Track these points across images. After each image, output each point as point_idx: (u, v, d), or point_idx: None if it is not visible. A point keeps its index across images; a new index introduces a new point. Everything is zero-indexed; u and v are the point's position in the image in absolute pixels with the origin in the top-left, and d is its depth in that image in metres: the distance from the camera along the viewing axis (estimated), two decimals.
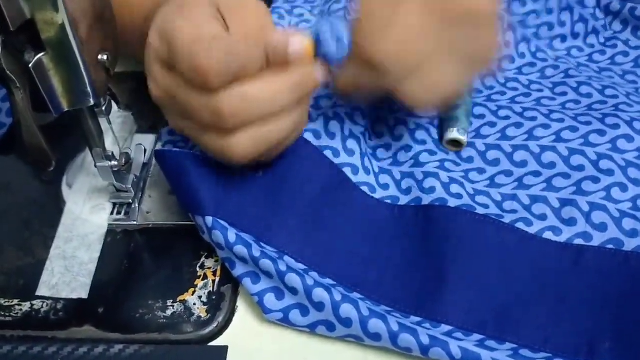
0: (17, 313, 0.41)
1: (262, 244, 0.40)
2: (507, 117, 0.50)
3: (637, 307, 0.38)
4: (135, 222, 0.46)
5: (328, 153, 0.44)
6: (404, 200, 0.45)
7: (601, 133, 0.46)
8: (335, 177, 0.44)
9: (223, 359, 0.39)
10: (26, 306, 0.41)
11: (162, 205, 0.47)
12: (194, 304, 0.41)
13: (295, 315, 0.38)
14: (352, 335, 0.37)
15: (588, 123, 0.47)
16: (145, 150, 0.48)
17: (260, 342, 0.40)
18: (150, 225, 0.46)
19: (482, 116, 0.50)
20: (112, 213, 0.46)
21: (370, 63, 0.37)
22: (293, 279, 0.38)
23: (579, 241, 0.41)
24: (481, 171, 0.47)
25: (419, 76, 0.39)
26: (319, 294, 0.37)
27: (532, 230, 0.42)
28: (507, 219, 0.42)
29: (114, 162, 0.43)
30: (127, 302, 0.41)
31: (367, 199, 0.44)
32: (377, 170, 0.46)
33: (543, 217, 0.43)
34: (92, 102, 0.37)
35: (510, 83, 0.54)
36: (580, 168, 0.44)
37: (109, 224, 0.45)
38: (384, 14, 0.37)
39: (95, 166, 0.43)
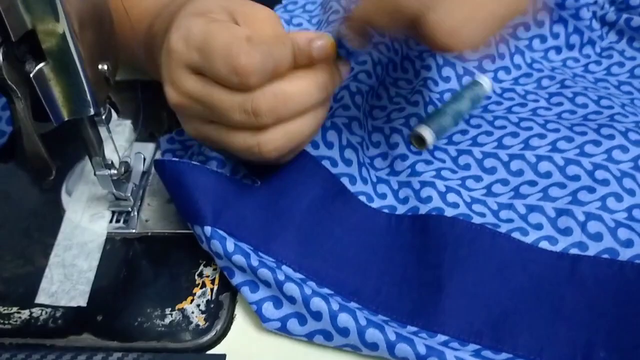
0: (16, 321, 0.41)
1: (261, 254, 0.40)
2: (503, 127, 0.50)
3: (632, 317, 0.38)
4: (134, 231, 0.46)
5: (326, 163, 0.45)
6: (401, 209, 0.45)
7: (597, 143, 0.46)
8: (333, 187, 0.44)
9: None
10: (25, 314, 0.41)
11: (160, 213, 0.47)
12: (192, 312, 0.41)
13: (293, 325, 0.39)
14: (349, 345, 0.38)
15: (583, 133, 0.48)
16: (144, 159, 0.49)
17: (258, 350, 0.40)
18: (149, 234, 0.46)
19: (478, 126, 0.51)
20: (111, 221, 0.46)
21: None
22: (291, 288, 0.38)
23: (574, 251, 0.41)
24: (478, 179, 0.47)
25: (451, 1, 0.33)
26: (317, 303, 0.37)
27: (528, 239, 0.42)
28: (504, 228, 0.43)
29: (113, 171, 0.43)
30: (125, 310, 0.41)
31: (364, 209, 0.44)
32: (374, 179, 0.47)
33: (539, 227, 0.43)
34: (92, 111, 0.37)
35: (507, 93, 0.54)
36: (576, 178, 0.45)
37: (108, 232, 0.46)
38: None
39: (95, 174, 0.43)
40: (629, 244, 0.41)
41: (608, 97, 0.52)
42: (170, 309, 0.41)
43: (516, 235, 0.42)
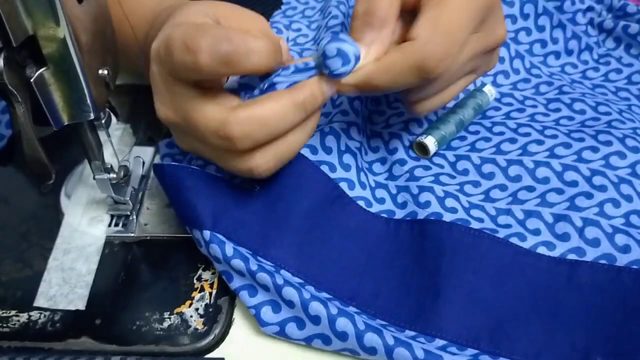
0: (14, 324, 0.41)
1: (259, 258, 0.40)
2: (501, 133, 0.50)
3: (629, 322, 0.38)
4: (132, 234, 0.46)
5: (325, 168, 0.45)
6: (399, 214, 0.45)
7: (594, 149, 0.47)
8: (332, 192, 0.44)
9: None
10: (24, 317, 0.41)
11: (159, 217, 0.47)
12: (191, 316, 0.41)
13: (291, 329, 0.39)
14: (347, 349, 0.38)
15: (581, 139, 0.48)
16: (143, 163, 0.49)
17: (257, 354, 0.40)
18: (148, 237, 0.46)
19: (476, 132, 0.51)
20: (110, 225, 0.46)
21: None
22: (290, 293, 0.38)
23: (572, 256, 0.41)
24: (476, 184, 0.47)
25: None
26: (315, 307, 0.38)
27: (526, 245, 0.42)
28: (502, 233, 0.43)
29: (112, 175, 0.43)
30: (124, 313, 0.41)
31: (363, 213, 0.45)
32: (373, 184, 0.47)
33: (537, 232, 0.43)
34: (92, 116, 0.38)
35: (505, 98, 0.55)
36: (574, 184, 0.45)
37: (107, 236, 0.46)
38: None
39: (94, 178, 0.43)
40: (626, 249, 0.41)
41: (606, 104, 0.52)
42: (168, 312, 0.41)
43: (514, 240, 0.42)
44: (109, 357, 0.39)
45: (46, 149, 0.37)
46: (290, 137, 0.37)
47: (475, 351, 0.38)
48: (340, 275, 0.41)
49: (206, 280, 0.43)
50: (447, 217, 0.43)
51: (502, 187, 0.46)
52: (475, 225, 0.43)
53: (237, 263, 0.39)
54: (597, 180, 0.45)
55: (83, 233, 0.46)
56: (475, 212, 0.45)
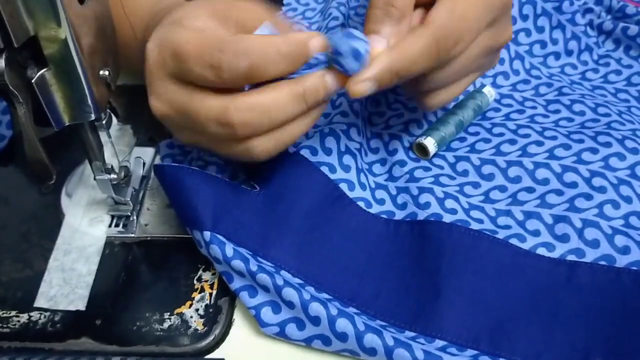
0: (14, 324, 0.41)
1: (260, 259, 0.41)
2: (501, 134, 0.50)
3: (628, 323, 0.38)
4: (133, 235, 0.46)
5: (324, 169, 0.45)
6: (399, 215, 0.45)
7: (594, 151, 0.47)
8: (332, 193, 0.44)
9: None
10: (24, 318, 0.41)
11: (160, 217, 0.47)
12: (191, 317, 0.41)
13: (291, 329, 0.39)
14: (347, 350, 0.38)
15: (581, 141, 0.48)
16: (144, 163, 0.49)
17: (257, 355, 0.40)
18: (148, 238, 0.46)
19: (476, 133, 0.51)
20: (110, 225, 0.46)
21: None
22: (290, 293, 0.38)
23: (571, 257, 0.41)
24: (476, 185, 0.47)
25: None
26: (315, 308, 0.38)
27: (525, 246, 0.42)
28: (501, 234, 0.43)
29: (113, 175, 0.43)
30: (124, 314, 0.41)
31: (363, 214, 0.45)
32: (373, 185, 0.47)
33: (536, 233, 0.43)
34: (93, 116, 0.38)
35: (505, 99, 0.55)
36: (573, 185, 0.45)
37: (107, 236, 0.46)
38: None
39: (95, 179, 0.43)
40: (625, 250, 0.41)
41: (605, 105, 0.52)
42: (169, 313, 0.41)
43: (514, 241, 0.42)
44: (109, 357, 0.39)
45: (47, 150, 0.37)
46: (292, 126, 0.37)
47: (475, 352, 0.38)
48: (340, 275, 0.41)
49: (206, 281, 0.43)
50: (447, 218, 0.43)
51: (502, 188, 0.47)
52: (475, 226, 0.43)
53: (237, 264, 0.39)
54: (597, 181, 0.45)
55: (83, 233, 0.46)
56: (475, 213, 0.45)
